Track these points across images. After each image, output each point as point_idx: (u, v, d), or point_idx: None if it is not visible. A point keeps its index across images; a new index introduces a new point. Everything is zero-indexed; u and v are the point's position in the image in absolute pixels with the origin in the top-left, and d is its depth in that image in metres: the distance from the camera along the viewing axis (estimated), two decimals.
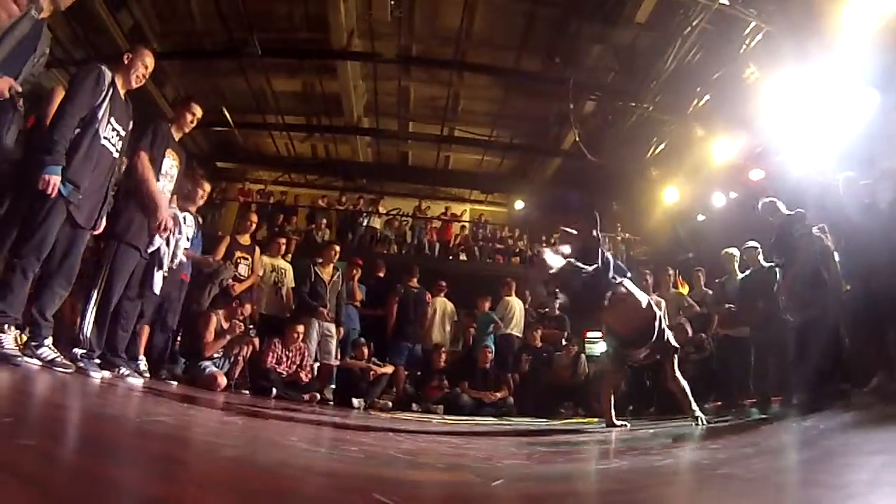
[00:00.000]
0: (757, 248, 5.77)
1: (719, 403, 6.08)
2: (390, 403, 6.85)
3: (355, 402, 6.39)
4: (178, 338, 5.77)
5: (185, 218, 4.87)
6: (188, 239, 4.82)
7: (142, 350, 4.77)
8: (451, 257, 13.02)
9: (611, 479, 1.73)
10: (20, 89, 2.75)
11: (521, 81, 11.04)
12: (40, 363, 2.91)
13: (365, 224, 13.00)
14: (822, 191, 4.97)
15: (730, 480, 1.53)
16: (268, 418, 3.28)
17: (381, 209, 13.51)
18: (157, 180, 3.95)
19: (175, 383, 4.85)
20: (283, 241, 7.65)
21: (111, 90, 3.33)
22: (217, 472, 1.40)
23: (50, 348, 3.02)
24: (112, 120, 3.35)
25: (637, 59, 9.00)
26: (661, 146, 9.95)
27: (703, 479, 1.64)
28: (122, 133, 3.47)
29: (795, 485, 1.45)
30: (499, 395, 7.25)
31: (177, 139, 4.18)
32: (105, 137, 3.30)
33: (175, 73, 10.82)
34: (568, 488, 1.64)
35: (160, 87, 10.31)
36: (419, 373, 7.79)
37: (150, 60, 3.63)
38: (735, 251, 6.23)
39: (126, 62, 3.51)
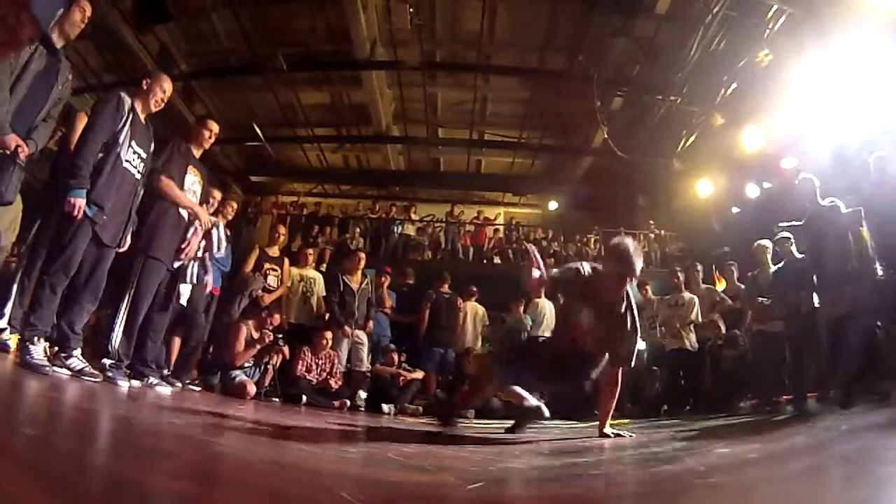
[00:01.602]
0: (790, 238, 5.55)
1: (754, 401, 5.88)
2: (420, 408, 6.89)
3: (385, 407, 6.44)
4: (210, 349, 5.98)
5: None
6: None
7: (174, 360, 5.00)
8: (485, 261, 13.01)
9: (589, 487, 1.71)
10: (27, 148, 2.90)
11: (546, 81, 10.99)
12: (69, 373, 3.10)
13: (398, 231, 13.15)
14: (855, 174, 4.77)
15: (715, 491, 1.49)
16: (285, 423, 3.38)
17: (413, 216, 13.63)
18: None
19: (207, 392, 5.06)
20: (311, 251, 7.80)
21: (131, 115, 3.50)
22: (196, 465, 1.49)
23: (79, 359, 3.21)
24: (133, 144, 3.52)
25: (661, 52, 8.83)
26: (692, 138, 9.70)
27: (687, 488, 1.59)
28: (144, 156, 3.64)
29: (782, 497, 1.41)
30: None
31: (197, 156, 4.33)
32: (127, 160, 3.48)
33: (204, 91, 11.27)
34: (542, 493, 1.65)
35: (190, 106, 10.77)
36: (450, 378, 7.80)
37: (167, 85, 3.80)
38: (768, 243, 6.00)
39: (145, 88, 3.68)
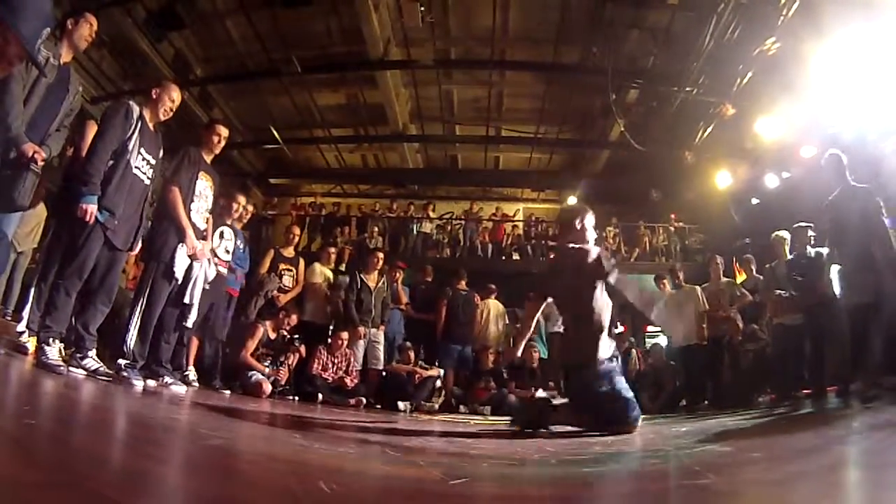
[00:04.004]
0: (807, 228, 5.43)
1: (773, 396, 5.77)
2: (436, 406, 6.92)
3: (401, 405, 6.48)
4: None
5: (222, 232, 5.19)
6: (227, 251, 5.14)
7: (192, 360, 5.12)
8: (503, 257, 13.00)
9: (572, 485, 1.71)
10: (44, 155, 3.00)
11: (561, 75, 10.89)
12: (85, 373, 3.21)
13: (417, 230, 13.21)
14: (877, 161, 4.64)
15: (700, 492, 1.46)
16: (294, 420, 3.44)
17: (432, 214, 13.66)
18: (193, 200, 4.23)
19: (228, 392, 5.16)
20: (333, 250, 7.88)
21: (140, 123, 3.60)
22: (184, 454, 1.55)
23: (94, 359, 3.33)
24: (142, 150, 3.61)
25: (675, 42, 8.69)
26: (709, 129, 9.53)
27: (673, 489, 1.58)
28: (153, 162, 3.74)
29: (764, 502, 1.39)
30: (545, 394, 7.18)
31: (209, 161, 4.42)
32: (136, 167, 3.58)
33: (221, 96, 11.46)
34: (527, 491, 1.65)
35: (208, 111, 10.95)
36: (467, 374, 7.81)
37: (176, 94, 3.88)
38: (786, 234, 5.88)
39: (154, 97, 3.78)
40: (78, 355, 3.28)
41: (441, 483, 1.57)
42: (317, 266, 7.17)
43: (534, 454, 2.57)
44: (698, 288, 6.82)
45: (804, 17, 6.33)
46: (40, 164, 2.99)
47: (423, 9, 8.86)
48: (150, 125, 3.74)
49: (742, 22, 7.28)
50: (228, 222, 5.33)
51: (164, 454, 1.52)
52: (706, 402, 6.33)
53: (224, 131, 4.46)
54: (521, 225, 14.19)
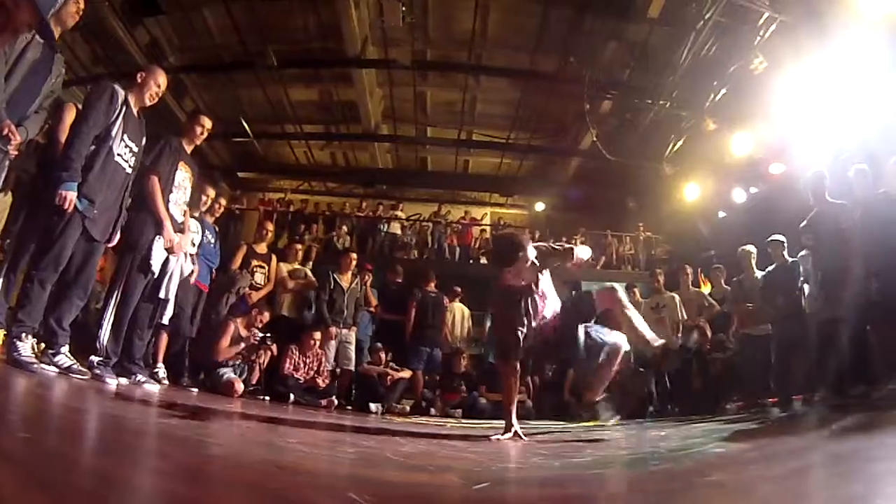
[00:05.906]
0: (782, 241, 5.61)
1: (740, 403, 5.97)
2: (408, 408, 6.88)
3: (373, 406, 6.44)
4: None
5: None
6: (193, 244, 4.95)
7: (161, 357, 4.92)
8: (471, 261, 13.02)
9: (588, 486, 1.71)
10: (19, 136, 2.83)
11: (537, 82, 11.02)
12: (57, 370, 3.03)
13: (385, 230, 13.11)
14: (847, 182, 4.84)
15: (717, 489, 1.49)
16: (275, 422, 3.35)
17: (400, 214, 13.59)
18: (171, 191, 4.06)
19: (195, 390, 4.99)
20: (299, 247, 7.72)
21: (124, 108, 3.43)
22: (188, 465, 1.46)
23: (67, 356, 3.15)
24: (125, 137, 3.45)
25: (652, 56, 8.94)
26: (680, 143, 9.81)
27: (686, 487, 1.59)
28: (136, 149, 3.57)
29: (781, 495, 1.41)
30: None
31: (189, 151, 4.27)
32: (118, 154, 3.41)
33: (194, 86, 11.15)
34: (544, 493, 1.64)
35: (179, 101, 10.64)
36: (438, 377, 7.79)
37: (162, 79, 3.72)
38: (752, 248, 6.09)
39: (139, 81, 3.61)
40: (50, 352, 3.10)
41: (465, 488, 1.55)
42: (283, 266, 7.01)
43: (533, 455, 2.58)
44: (677, 296, 6.97)
45: (779, 37, 6.60)
46: (14, 144, 2.81)
47: (404, 9, 8.81)
48: (135, 110, 3.57)
49: (719, 40, 7.54)
50: (196, 214, 5.14)
51: (168, 465, 1.43)
52: (677, 409, 6.48)
53: (208, 123, 4.32)
54: (488, 229, 14.23)
